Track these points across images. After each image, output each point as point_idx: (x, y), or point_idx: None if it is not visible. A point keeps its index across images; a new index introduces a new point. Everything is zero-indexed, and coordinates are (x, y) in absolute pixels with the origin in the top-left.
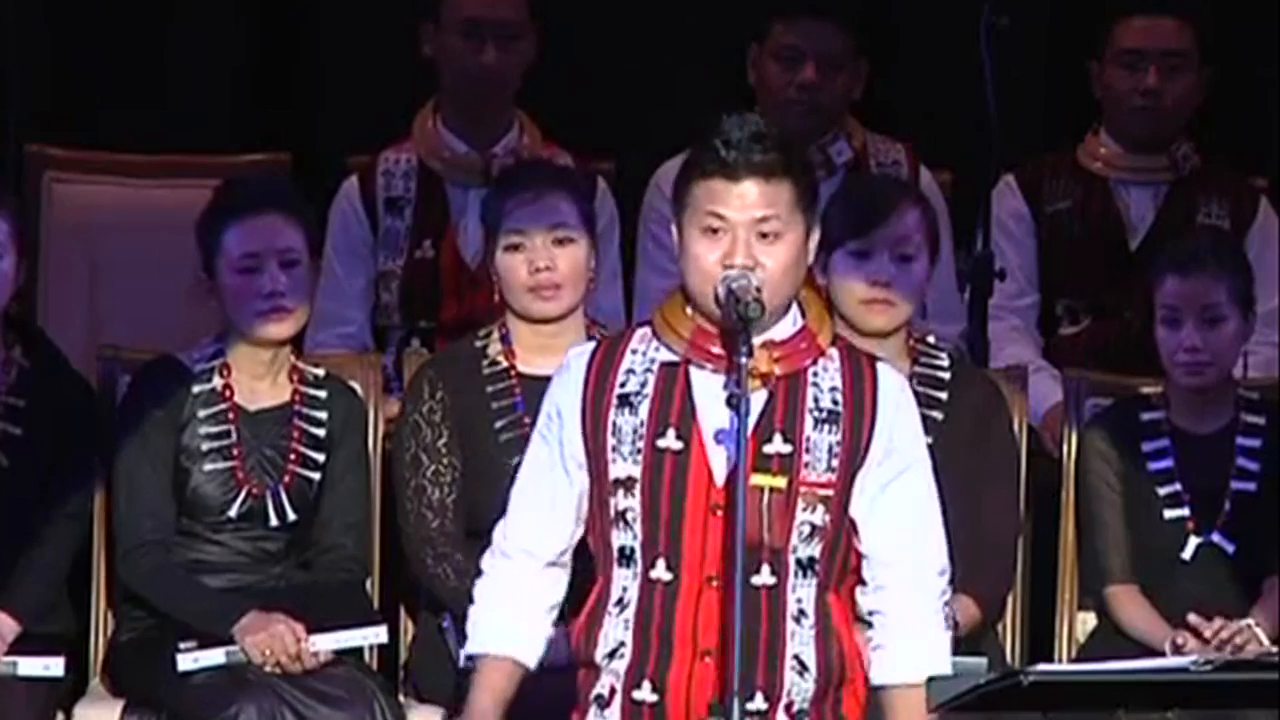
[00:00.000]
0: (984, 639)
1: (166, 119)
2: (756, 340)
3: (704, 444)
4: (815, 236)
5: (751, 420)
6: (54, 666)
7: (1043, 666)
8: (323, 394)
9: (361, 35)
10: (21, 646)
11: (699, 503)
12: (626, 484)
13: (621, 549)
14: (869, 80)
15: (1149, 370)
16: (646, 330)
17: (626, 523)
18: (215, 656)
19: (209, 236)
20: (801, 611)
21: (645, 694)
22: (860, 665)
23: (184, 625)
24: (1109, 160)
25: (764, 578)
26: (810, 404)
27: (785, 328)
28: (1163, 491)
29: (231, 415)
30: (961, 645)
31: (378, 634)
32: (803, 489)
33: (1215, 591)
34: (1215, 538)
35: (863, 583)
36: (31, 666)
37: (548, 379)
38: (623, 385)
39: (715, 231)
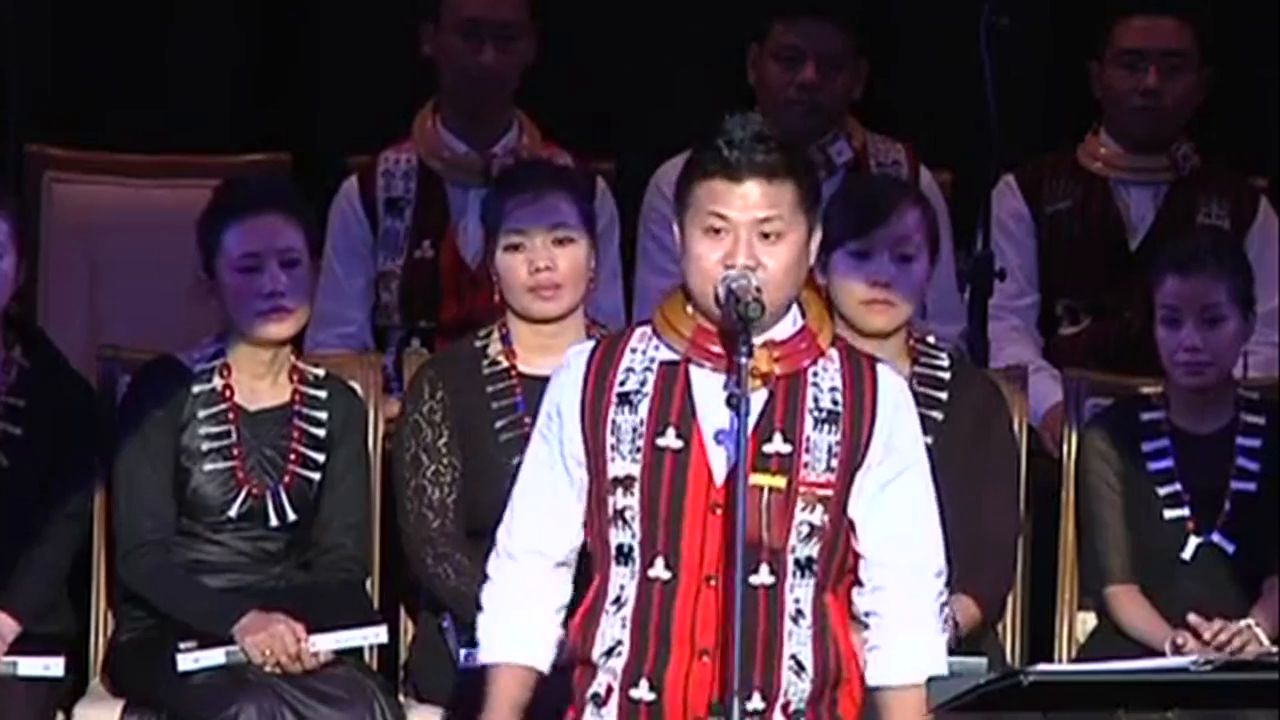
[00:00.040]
0: (984, 639)
1: (167, 119)
2: (757, 340)
3: (704, 443)
4: (817, 237)
5: (751, 420)
6: (54, 666)
7: (1043, 666)
8: (323, 394)
9: (361, 35)
10: (21, 646)
11: (698, 502)
12: (625, 482)
13: (620, 547)
14: (869, 80)
15: (1149, 370)
16: (646, 329)
17: (625, 521)
18: (215, 656)
19: (209, 236)
20: (799, 611)
21: (642, 693)
22: (856, 666)
23: (184, 625)
24: (1109, 160)
25: (762, 577)
26: (810, 404)
27: (785, 328)
28: (1163, 491)
29: (231, 415)
30: (961, 645)
31: (378, 634)
32: (802, 489)
33: (1215, 591)
34: (1215, 538)
35: (860, 583)
36: (31, 666)
37: (548, 379)
38: (622, 384)
39: (717, 232)
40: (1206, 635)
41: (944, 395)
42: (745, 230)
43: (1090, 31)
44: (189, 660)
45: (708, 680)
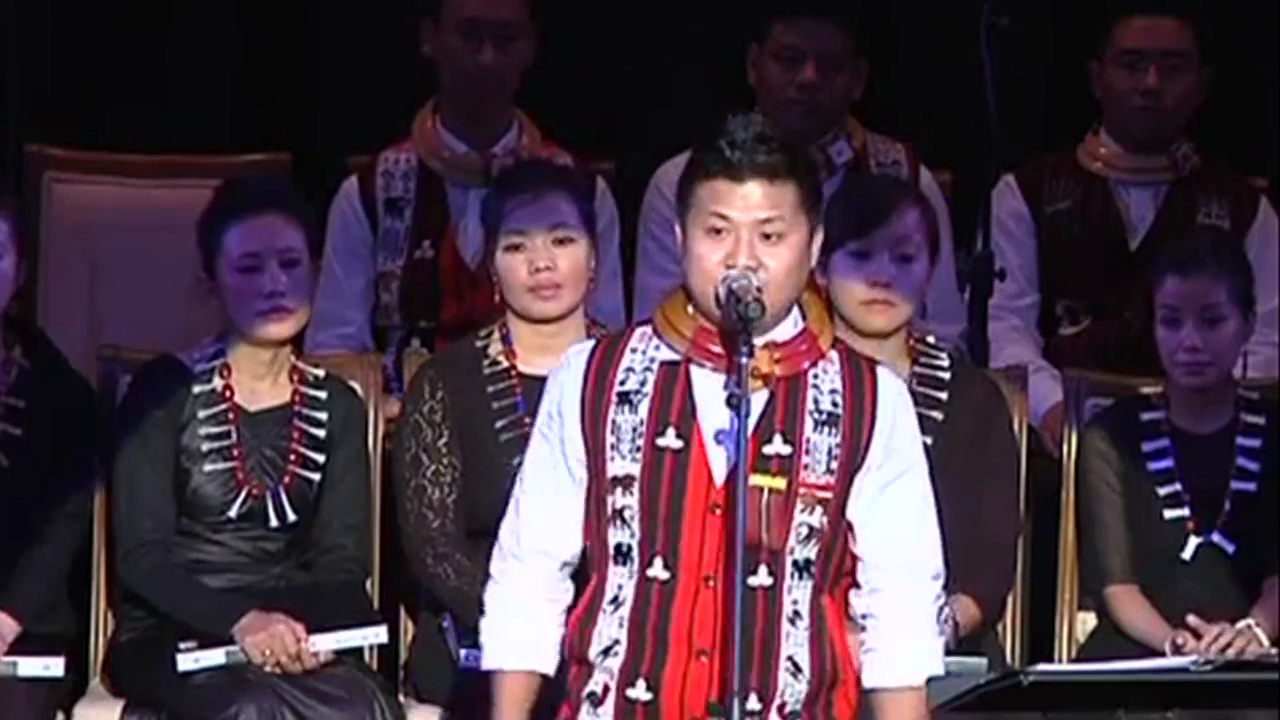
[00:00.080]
0: (984, 639)
1: (167, 119)
2: (758, 341)
3: (704, 443)
4: (819, 239)
5: (752, 421)
6: (54, 666)
7: (1043, 666)
8: (323, 394)
9: (361, 35)
10: (21, 646)
11: (698, 502)
12: (625, 482)
13: (618, 547)
14: (869, 80)
15: (1149, 370)
16: (647, 329)
17: (624, 521)
18: (215, 656)
19: (209, 236)
20: (796, 613)
21: (639, 692)
22: (852, 668)
23: (184, 625)
24: (1109, 160)
25: (761, 578)
26: (810, 406)
27: (787, 329)
28: (1163, 491)
29: (232, 415)
30: (961, 645)
31: (378, 634)
32: (802, 490)
33: (1215, 591)
34: (1215, 538)
35: (857, 585)
36: (31, 666)
37: (548, 379)
38: (622, 383)
39: (719, 232)
40: (1205, 638)
41: (944, 395)
42: (747, 230)
43: (1090, 31)
44: (189, 660)
45: (705, 680)
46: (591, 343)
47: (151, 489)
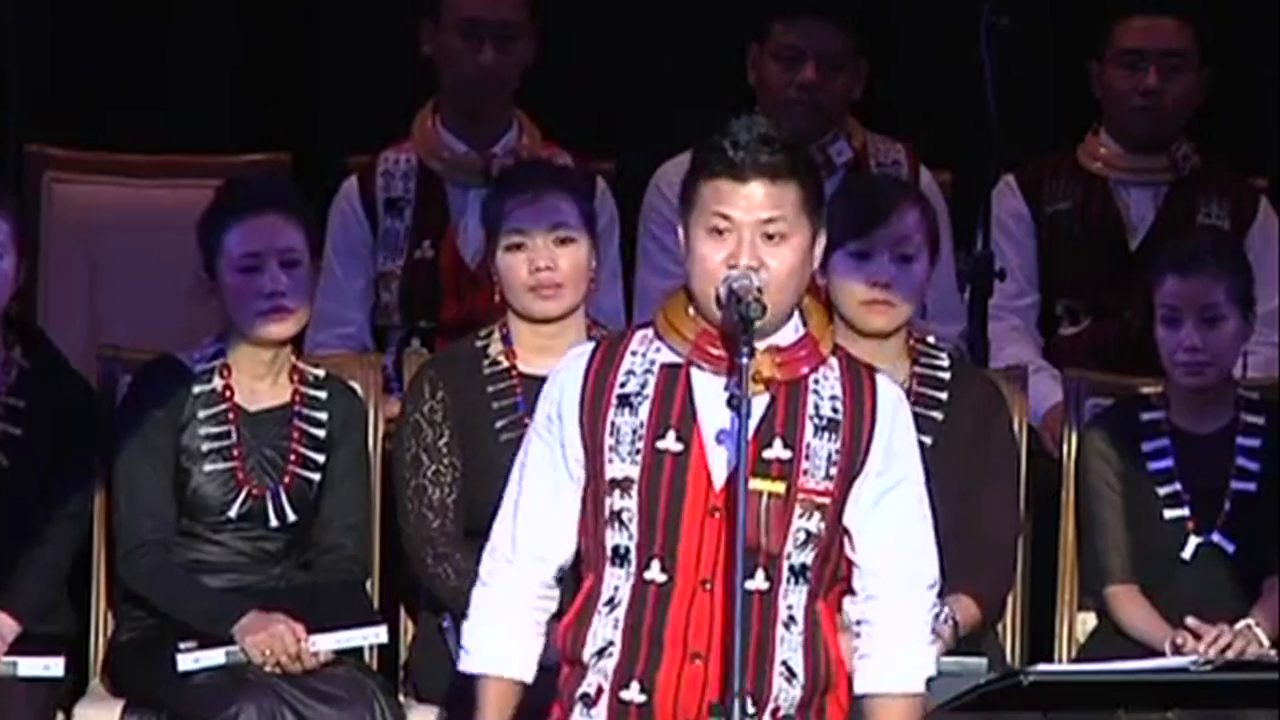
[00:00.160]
0: (984, 639)
1: (167, 119)
2: (759, 345)
3: (704, 446)
4: (821, 241)
5: (752, 424)
6: (54, 666)
7: (1043, 666)
8: (323, 394)
9: (361, 35)
10: (21, 646)
11: (697, 505)
12: (623, 484)
13: (615, 549)
14: (869, 80)
15: (1149, 370)
16: (647, 331)
17: (622, 523)
18: (215, 656)
19: (210, 236)
20: (791, 618)
21: (633, 694)
22: (845, 673)
23: (184, 625)
24: (1109, 160)
25: (757, 582)
26: (811, 411)
27: (788, 334)
28: (1163, 491)
29: (232, 415)
30: (961, 645)
31: (378, 634)
32: (801, 495)
33: (1215, 591)
34: (1215, 538)
35: (852, 591)
36: (31, 666)
37: (547, 380)
38: (622, 385)
39: (721, 232)
40: (1205, 639)
41: (944, 395)
42: (749, 231)
43: (1090, 31)
44: (189, 660)
45: (699, 684)
46: (591, 345)
47: (151, 489)
